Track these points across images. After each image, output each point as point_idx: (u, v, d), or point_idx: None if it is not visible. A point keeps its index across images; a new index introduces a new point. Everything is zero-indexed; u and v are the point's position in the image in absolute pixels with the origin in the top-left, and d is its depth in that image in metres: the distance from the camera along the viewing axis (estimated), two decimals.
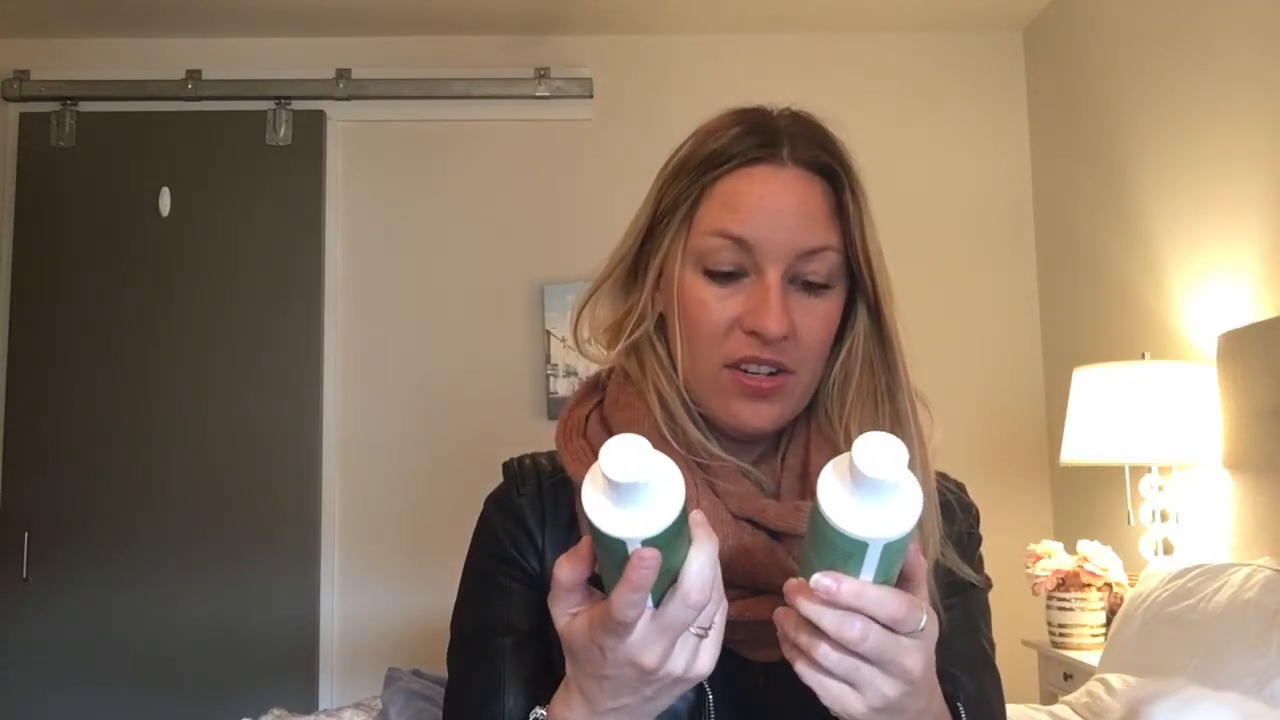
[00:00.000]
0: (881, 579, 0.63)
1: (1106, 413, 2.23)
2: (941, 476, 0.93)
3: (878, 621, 0.63)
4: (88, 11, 3.06)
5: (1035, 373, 3.22)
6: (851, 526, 0.60)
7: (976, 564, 0.91)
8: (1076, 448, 2.29)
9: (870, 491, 0.59)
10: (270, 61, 3.22)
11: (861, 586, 0.62)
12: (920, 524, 0.62)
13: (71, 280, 3.11)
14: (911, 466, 0.80)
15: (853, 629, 0.62)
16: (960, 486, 0.94)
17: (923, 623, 0.64)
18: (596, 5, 3.11)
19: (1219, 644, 1.69)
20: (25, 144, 3.16)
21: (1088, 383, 2.30)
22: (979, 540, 0.93)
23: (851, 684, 0.64)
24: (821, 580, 0.62)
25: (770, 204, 0.81)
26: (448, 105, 3.22)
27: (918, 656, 0.64)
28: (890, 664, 0.63)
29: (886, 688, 0.64)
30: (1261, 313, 2.14)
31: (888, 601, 0.62)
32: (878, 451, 0.59)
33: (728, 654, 0.73)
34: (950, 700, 0.75)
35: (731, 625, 0.78)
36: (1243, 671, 1.56)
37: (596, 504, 0.61)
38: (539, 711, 0.74)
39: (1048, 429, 3.11)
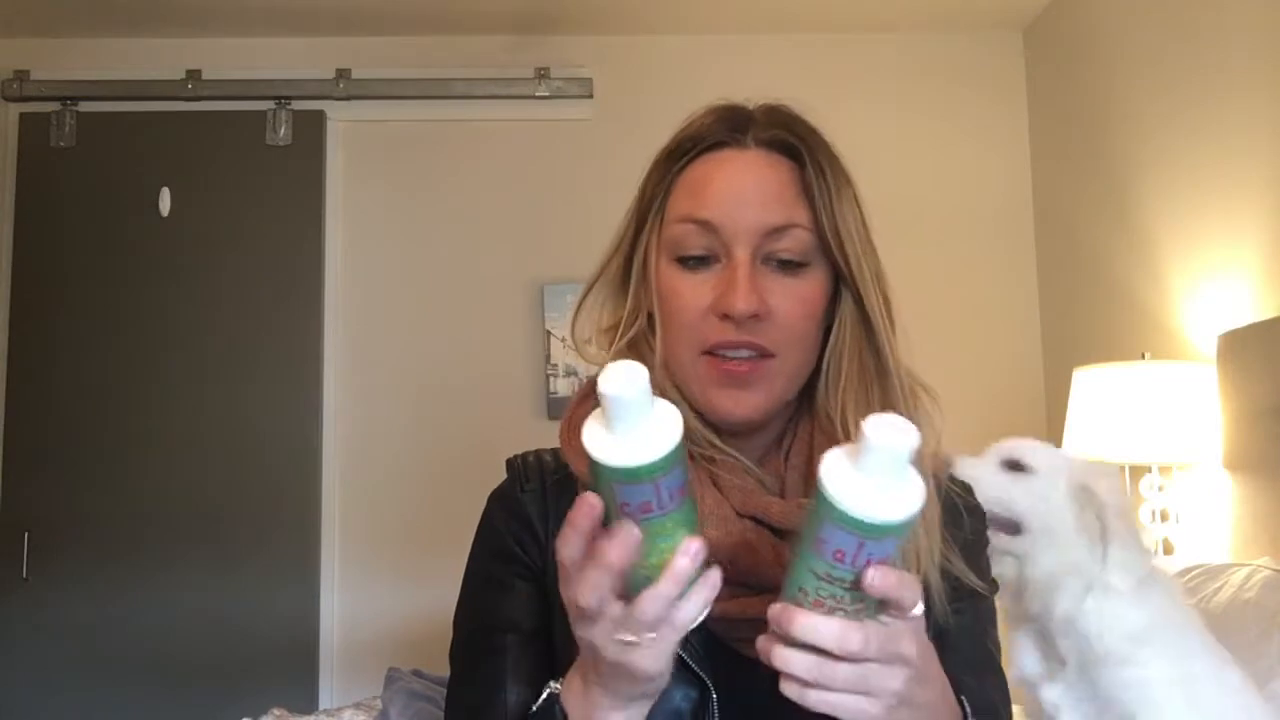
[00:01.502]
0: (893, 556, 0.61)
1: (1106, 413, 2.23)
2: (949, 479, 0.92)
3: (899, 604, 0.61)
4: (88, 11, 3.06)
5: (1035, 373, 3.22)
6: (877, 512, 0.57)
7: (984, 568, 0.90)
8: (1076, 448, 2.29)
9: (889, 470, 0.57)
10: (270, 61, 3.21)
11: (900, 575, 0.60)
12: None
13: (71, 280, 3.11)
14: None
15: (854, 639, 0.61)
16: (966, 489, 0.94)
17: (920, 602, 0.64)
18: (596, 5, 3.11)
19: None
20: (25, 144, 3.16)
21: (1088, 383, 2.30)
22: (986, 543, 0.93)
23: (863, 692, 0.63)
24: (873, 578, 0.59)
25: (733, 184, 0.81)
26: (448, 105, 3.22)
27: (912, 640, 0.64)
28: (893, 658, 0.63)
29: (892, 681, 0.63)
30: (1261, 313, 2.14)
31: (911, 586, 0.61)
32: (888, 425, 0.58)
33: (730, 652, 0.73)
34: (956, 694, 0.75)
35: (734, 623, 0.78)
36: (1243, 671, 1.56)
37: (590, 429, 0.60)
38: (554, 685, 0.74)
39: (1048, 429, 3.10)
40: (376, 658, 2.90)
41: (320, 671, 3.03)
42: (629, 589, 0.63)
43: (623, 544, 0.60)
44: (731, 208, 0.80)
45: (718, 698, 0.78)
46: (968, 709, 0.75)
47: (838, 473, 0.59)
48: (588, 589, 0.62)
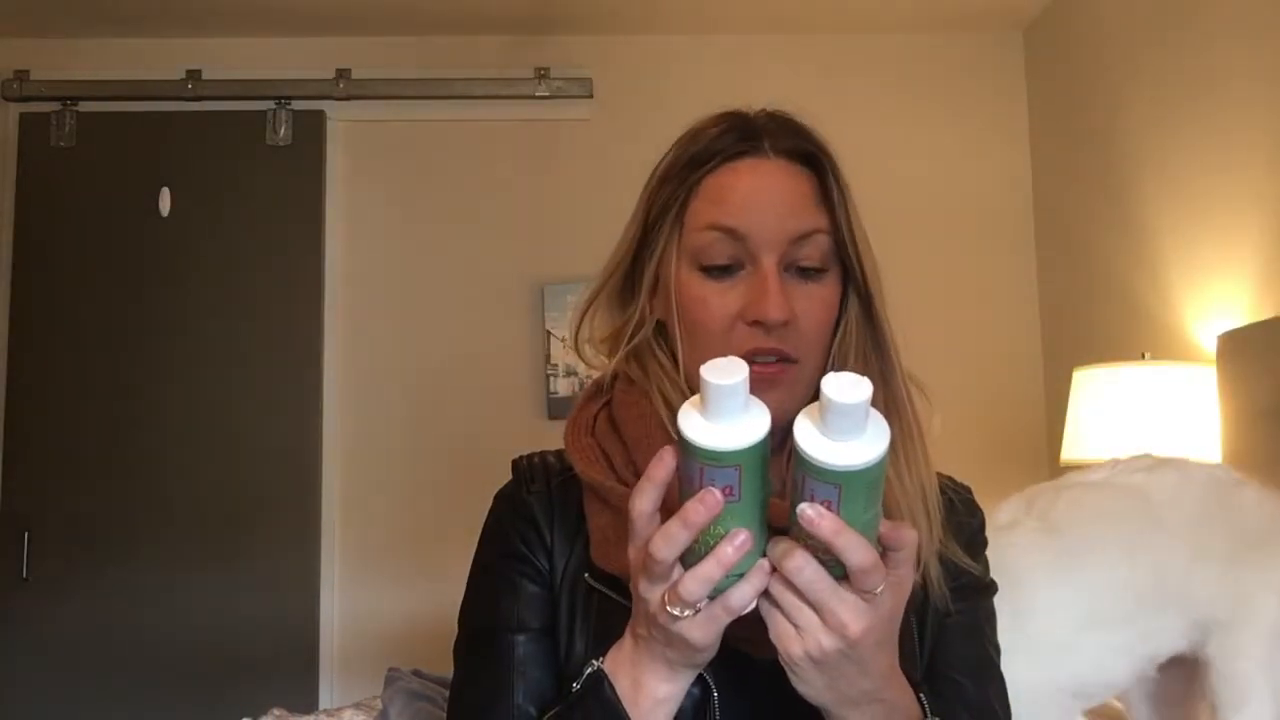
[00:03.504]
0: (854, 521, 0.63)
1: (1106, 413, 2.23)
2: (949, 479, 0.93)
3: (845, 565, 0.64)
4: (88, 11, 3.06)
5: (1035, 373, 3.22)
6: (823, 455, 0.61)
7: (982, 565, 0.91)
8: (1076, 447, 2.29)
9: (837, 422, 0.61)
10: (270, 61, 3.21)
11: (841, 524, 0.63)
12: (886, 458, 0.63)
13: (71, 280, 3.11)
14: (909, 447, 0.82)
15: (793, 558, 0.65)
16: (967, 490, 0.94)
17: (880, 588, 0.65)
18: (596, 5, 3.11)
19: None
20: (25, 144, 3.16)
21: (1088, 383, 2.30)
22: (985, 543, 0.93)
23: (795, 624, 0.66)
24: (806, 510, 0.63)
25: (758, 193, 0.82)
26: (448, 105, 3.22)
27: (859, 620, 0.65)
28: (827, 612, 0.65)
29: (824, 639, 0.65)
30: (1261, 313, 2.14)
31: (858, 548, 0.63)
32: (843, 381, 0.62)
33: (732, 651, 0.74)
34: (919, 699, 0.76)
35: (736, 622, 0.78)
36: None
37: (686, 411, 0.64)
38: (595, 662, 0.75)
39: (1047, 429, 3.11)
40: (376, 658, 2.90)
41: (320, 671, 3.03)
42: (682, 561, 0.67)
43: (705, 506, 0.63)
44: (758, 215, 0.81)
45: (719, 696, 0.78)
46: (927, 709, 0.76)
47: (804, 419, 0.64)
48: (664, 542, 0.64)
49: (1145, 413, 2.17)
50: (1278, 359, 1.99)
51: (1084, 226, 2.96)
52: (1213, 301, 2.33)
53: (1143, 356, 2.33)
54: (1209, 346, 2.24)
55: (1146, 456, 1.54)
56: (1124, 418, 2.19)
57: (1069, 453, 2.32)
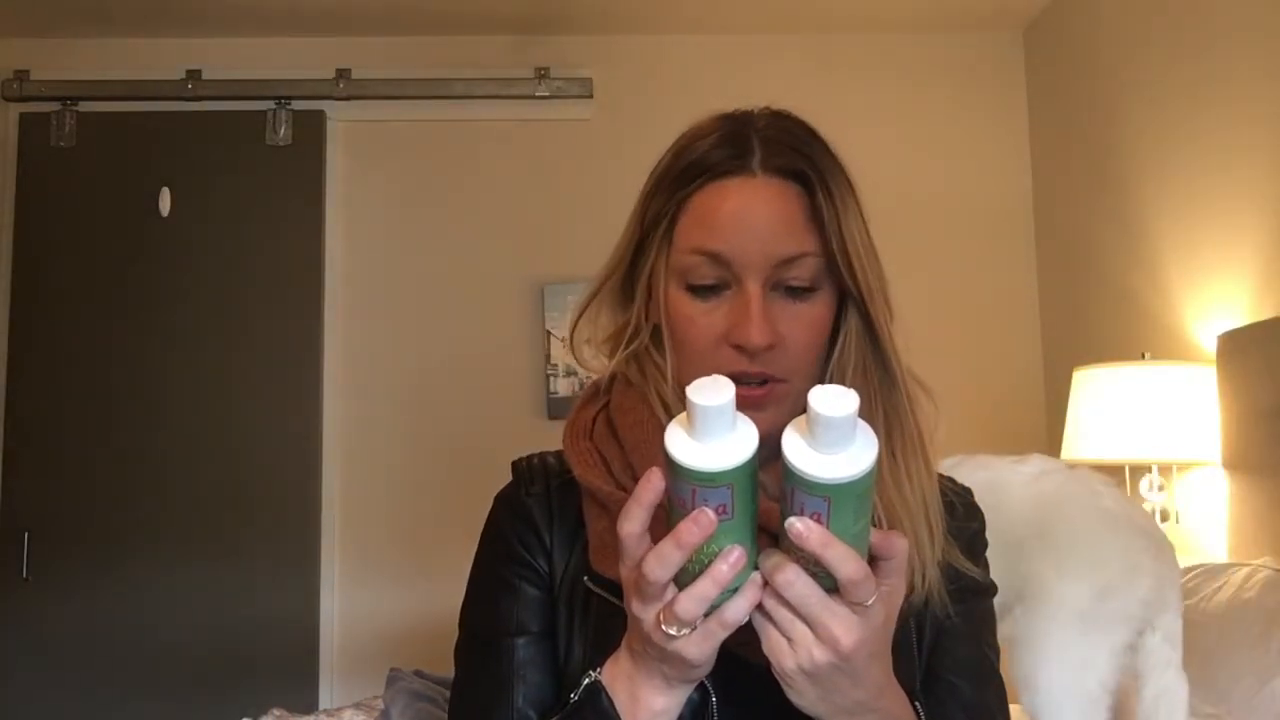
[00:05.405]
0: (843, 533, 0.63)
1: (1106, 413, 2.23)
2: (949, 481, 0.93)
3: (836, 576, 0.63)
4: (88, 11, 3.06)
5: (1035, 373, 3.22)
6: (811, 469, 0.61)
7: (983, 568, 0.91)
8: (1076, 448, 2.29)
9: (824, 435, 0.61)
10: (270, 61, 3.21)
11: (830, 536, 0.62)
12: (875, 469, 0.63)
13: (71, 280, 3.11)
14: (910, 458, 0.81)
15: (784, 572, 0.64)
16: (967, 491, 0.94)
17: (871, 599, 0.65)
18: (596, 5, 3.11)
19: (1219, 644, 1.69)
20: (25, 144, 3.16)
21: (1088, 383, 2.30)
22: (984, 545, 0.93)
23: (788, 637, 0.66)
24: (795, 523, 0.62)
25: (743, 217, 0.80)
26: (448, 105, 3.22)
27: (851, 633, 0.65)
28: (819, 625, 0.65)
29: (817, 652, 0.65)
30: (1261, 313, 2.14)
31: (848, 560, 0.63)
32: (829, 395, 0.61)
33: (730, 656, 0.74)
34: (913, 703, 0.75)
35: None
36: (1242, 671, 1.56)
37: (674, 432, 0.64)
38: (593, 674, 0.75)
39: (1047, 429, 3.10)
40: (376, 658, 2.91)
41: (320, 671, 3.03)
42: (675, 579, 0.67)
43: (699, 527, 0.63)
44: (743, 240, 0.79)
45: (717, 701, 0.78)
46: (923, 717, 0.76)
47: (792, 432, 0.64)
48: (658, 563, 0.64)
49: (1145, 413, 2.17)
50: (1278, 359, 1.99)
51: (1084, 226, 2.96)
52: (1213, 301, 2.33)
53: (1143, 356, 2.33)
54: (1209, 346, 2.25)
55: (956, 457, 1.56)
56: (1124, 418, 2.19)
57: (1069, 453, 2.32)
